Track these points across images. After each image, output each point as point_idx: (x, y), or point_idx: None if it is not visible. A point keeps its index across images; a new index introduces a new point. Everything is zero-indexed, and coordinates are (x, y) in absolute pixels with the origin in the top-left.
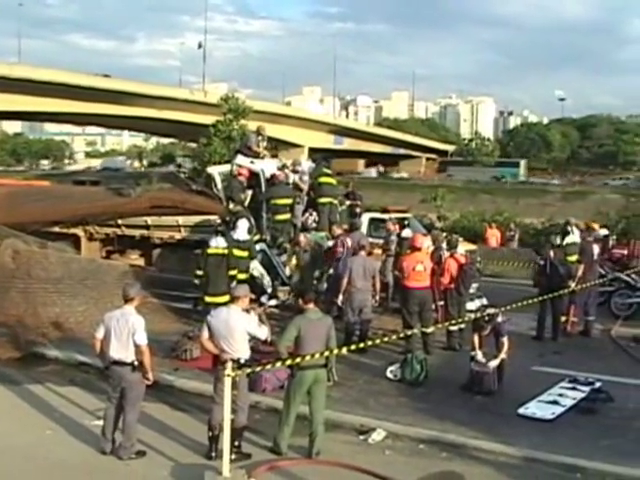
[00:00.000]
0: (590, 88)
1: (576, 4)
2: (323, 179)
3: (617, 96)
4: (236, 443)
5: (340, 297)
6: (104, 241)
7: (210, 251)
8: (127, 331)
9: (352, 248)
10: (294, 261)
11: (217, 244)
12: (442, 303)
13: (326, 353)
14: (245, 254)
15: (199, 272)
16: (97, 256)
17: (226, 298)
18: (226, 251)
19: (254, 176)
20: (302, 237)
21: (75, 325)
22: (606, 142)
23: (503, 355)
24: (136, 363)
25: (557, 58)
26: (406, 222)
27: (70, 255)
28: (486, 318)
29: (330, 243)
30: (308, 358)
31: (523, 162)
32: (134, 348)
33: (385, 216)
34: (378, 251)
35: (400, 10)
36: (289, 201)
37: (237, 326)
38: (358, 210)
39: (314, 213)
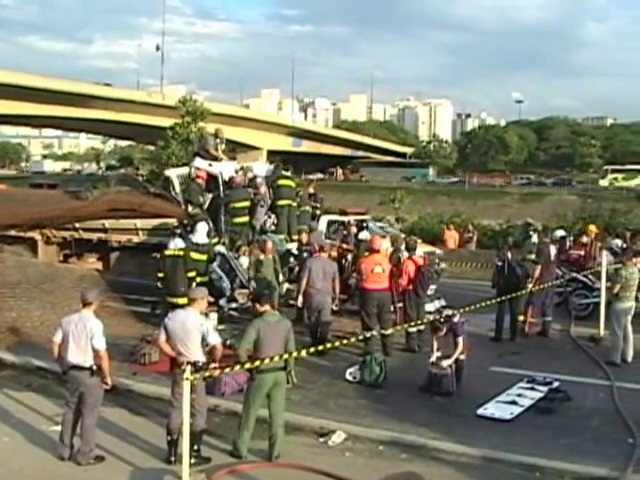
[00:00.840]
0: (547, 90)
1: (532, 8)
2: (281, 182)
3: (574, 98)
4: (195, 447)
5: (300, 298)
6: (61, 245)
7: (167, 252)
8: (85, 335)
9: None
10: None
11: (174, 245)
12: (400, 305)
13: (285, 356)
14: (204, 257)
15: (160, 274)
16: (54, 260)
17: (185, 299)
18: (182, 252)
19: (212, 179)
20: (269, 243)
21: (32, 330)
22: (563, 144)
23: (458, 355)
24: (94, 367)
25: (514, 61)
26: (364, 224)
27: (27, 259)
28: (442, 319)
29: (289, 246)
30: (267, 361)
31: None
32: (92, 352)
33: (344, 218)
34: (334, 253)
35: (358, 13)
36: (247, 204)
37: (194, 329)
38: (318, 212)
39: (272, 216)
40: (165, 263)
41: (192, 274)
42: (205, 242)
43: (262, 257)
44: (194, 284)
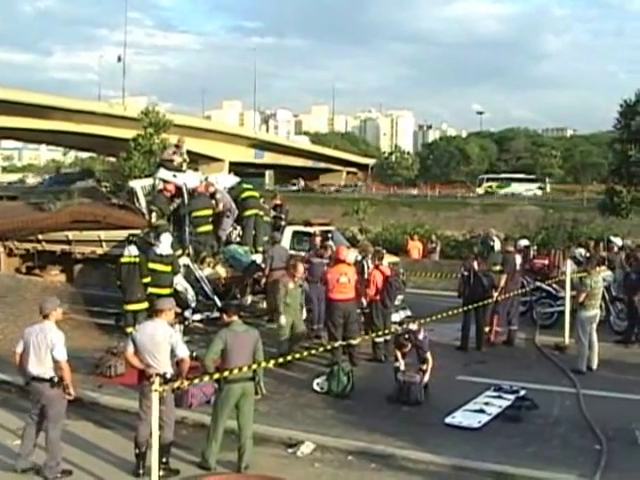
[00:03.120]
0: (508, 102)
1: (491, 21)
2: (246, 194)
3: (534, 110)
4: (164, 459)
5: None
6: (24, 257)
7: (123, 260)
8: (45, 346)
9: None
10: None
11: (129, 252)
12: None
13: (254, 366)
14: (168, 269)
15: (118, 282)
16: (17, 272)
17: (142, 305)
18: (137, 259)
19: (177, 190)
20: (300, 267)
21: None
22: (523, 155)
23: (429, 370)
24: (56, 379)
25: (474, 73)
26: (329, 235)
27: None
28: (406, 336)
29: (253, 257)
30: (235, 372)
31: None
32: (53, 364)
33: (309, 229)
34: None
35: (318, 26)
36: (209, 212)
37: (163, 340)
38: (282, 223)
39: (238, 227)
40: (121, 271)
41: (146, 279)
42: (169, 253)
43: (291, 285)
44: (150, 290)
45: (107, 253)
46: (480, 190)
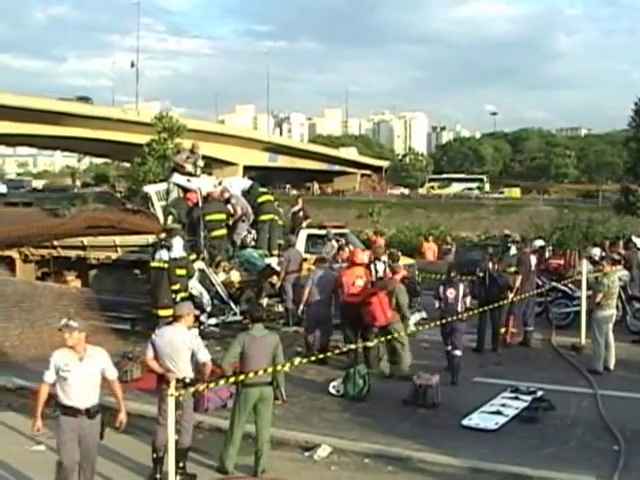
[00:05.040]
0: (521, 102)
1: (504, 21)
2: (262, 198)
3: (547, 110)
4: (181, 464)
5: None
6: (39, 263)
7: (152, 264)
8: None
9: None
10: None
11: (160, 257)
12: None
13: (269, 370)
14: (183, 272)
15: (148, 287)
16: (32, 278)
17: (169, 312)
18: (167, 265)
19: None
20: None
21: (11, 349)
22: (538, 155)
23: None
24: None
25: (487, 74)
26: (327, 237)
27: (4, 278)
28: None
29: (268, 261)
30: (252, 375)
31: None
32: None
33: (324, 232)
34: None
35: (330, 29)
36: (223, 216)
37: (182, 345)
38: (304, 225)
39: (253, 231)
40: (150, 276)
41: (175, 287)
42: (183, 256)
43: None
44: (178, 297)
45: (122, 258)
46: (423, 190)
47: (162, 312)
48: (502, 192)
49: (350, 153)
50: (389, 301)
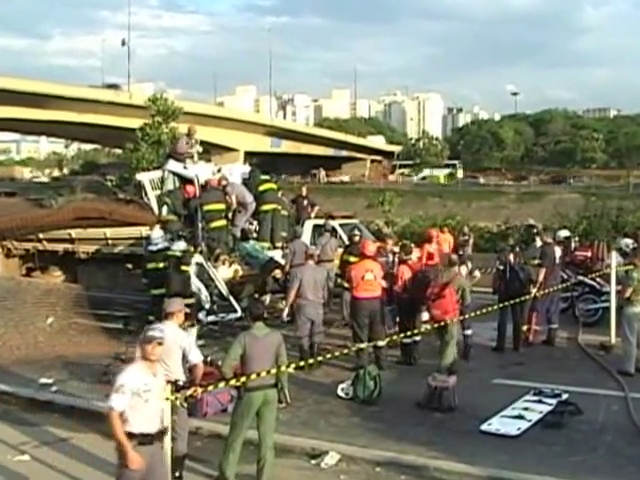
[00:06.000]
0: (544, 82)
1: None
2: (264, 186)
3: (573, 90)
4: (177, 474)
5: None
6: (24, 257)
7: (168, 254)
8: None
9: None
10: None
11: (178, 247)
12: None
13: (273, 371)
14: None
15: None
16: (16, 274)
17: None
18: (180, 254)
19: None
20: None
21: None
22: (562, 139)
23: None
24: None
25: (507, 51)
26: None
27: None
28: None
29: (271, 254)
30: (254, 377)
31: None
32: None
33: (332, 222)
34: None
35: (336, 3)
36: (222, 206)
37: (173, 345)
38: (312, 215)
39: (254, 222)
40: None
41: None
42: (162, 247)
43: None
44: (152, 291)
45: (114, 252)
46: (393, 177)
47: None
48: (476, 176)
49: (377, 142)
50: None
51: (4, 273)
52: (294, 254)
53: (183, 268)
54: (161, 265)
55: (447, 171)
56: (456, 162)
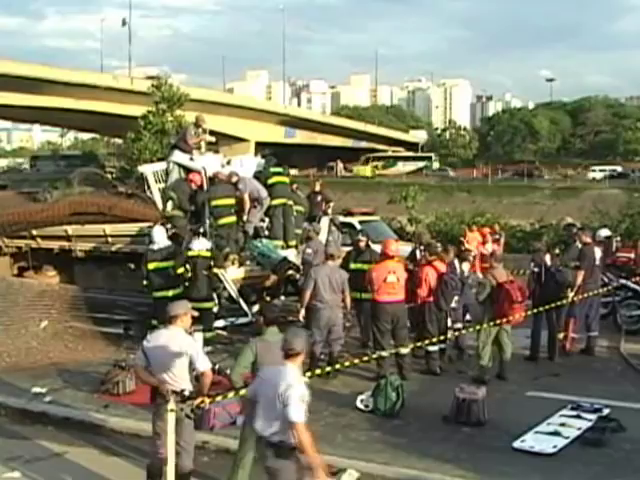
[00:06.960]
0: (582, 67)
1: None
2: (274, 179)
3: (614, 75)
4: None
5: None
6: (16, 256)
7: (190, 254)
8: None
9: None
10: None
11: (199, 246)
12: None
13: None
14: (169, 264)
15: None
16: (7, 274)
17: (207, 305)
18: (209, 254)
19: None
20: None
21: None
22: (603, 129)
23: None
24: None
25: (542, 33)
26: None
27: None
28: None
29: (284, 253)
30: None
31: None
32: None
33: (350, 220)
34: None
35: None
36: (231, 201)
37: (179, 351)
38: (329, 211)
39: (266, 219)
40: (189, 265)
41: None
42: (166, 245)
43: None
44: (155, 294)
45: (114, 250)
46: (367, 172)
47: (201, 305)
48: (445, 169)
49: (419, 136)
50: None
51: None
52: (315, 253)
53: (215, 271)
54: (164, 265)
55: (422, 164)
56: (432, 155)
